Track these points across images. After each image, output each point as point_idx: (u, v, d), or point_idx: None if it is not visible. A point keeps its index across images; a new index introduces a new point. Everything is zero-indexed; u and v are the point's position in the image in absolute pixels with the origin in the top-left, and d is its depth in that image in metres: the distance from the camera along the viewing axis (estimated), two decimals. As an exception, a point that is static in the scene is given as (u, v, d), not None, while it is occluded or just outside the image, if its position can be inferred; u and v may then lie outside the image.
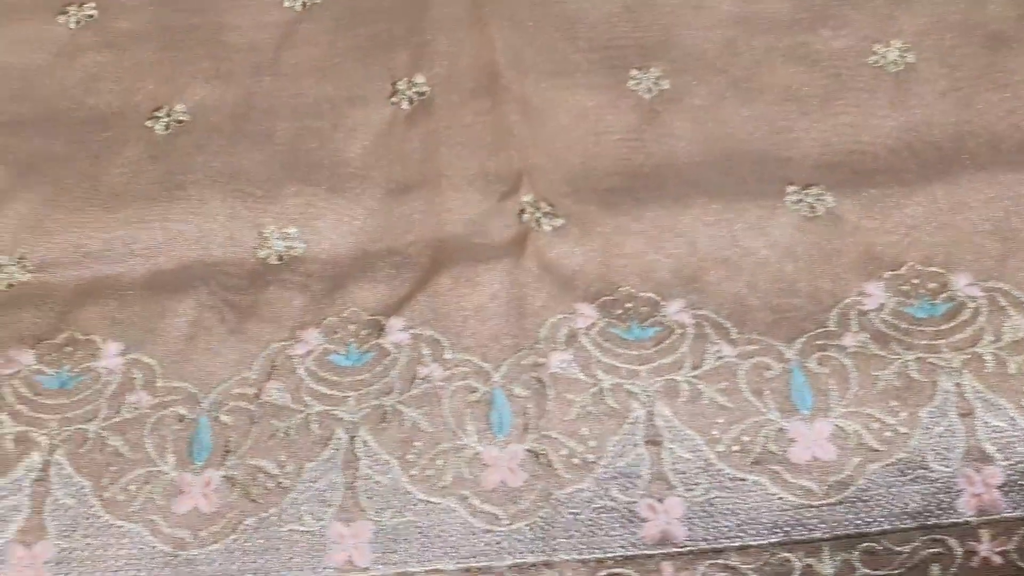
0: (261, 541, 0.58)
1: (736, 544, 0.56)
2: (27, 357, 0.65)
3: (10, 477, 0.60)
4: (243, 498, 0.60)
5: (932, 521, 0.56)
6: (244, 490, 0.60)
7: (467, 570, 0.58)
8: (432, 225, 0.71)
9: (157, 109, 0.81)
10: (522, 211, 0.72)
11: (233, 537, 0.59)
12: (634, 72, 0.80)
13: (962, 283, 0.64)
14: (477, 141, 0.76)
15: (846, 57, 0.79)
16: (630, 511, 0.58)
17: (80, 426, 0.62)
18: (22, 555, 0.58)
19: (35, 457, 0.61)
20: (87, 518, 0.59)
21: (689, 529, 0.57)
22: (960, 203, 0.68)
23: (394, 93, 0.81)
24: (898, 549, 0.56)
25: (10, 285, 0.70)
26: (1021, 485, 0.56)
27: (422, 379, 0.63)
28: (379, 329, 0.66)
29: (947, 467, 0.57)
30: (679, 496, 0.58)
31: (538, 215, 0.71)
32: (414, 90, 0.81)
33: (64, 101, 0.82)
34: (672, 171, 0.74)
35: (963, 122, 0.74)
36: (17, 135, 0.79)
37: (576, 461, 0.60)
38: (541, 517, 0.59)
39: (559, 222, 0.71)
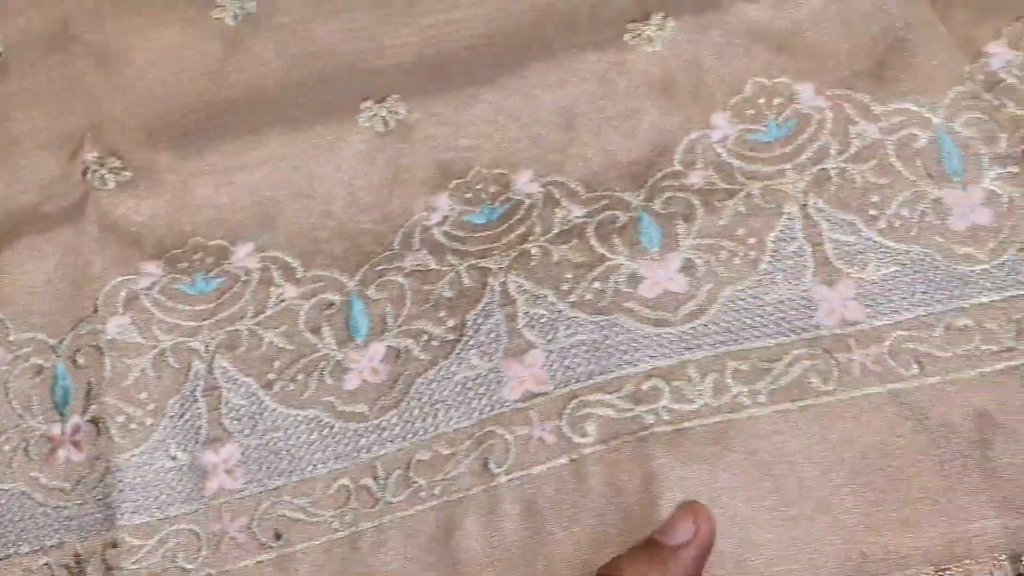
0: None
1: (293, 479, 0.53)
2: None
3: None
4: None
5: (485, 416, 0.52)
6: None
7: None
8: (5, 197, 0.65)
9: None
10: (86, 170, 0.64)
11: None
12: None
13: (523, 180, 0.59)
14: (50, 100, 0.68)
15: None
16: (192, 466, 0.54)
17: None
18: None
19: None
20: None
21: (246, 472, 0.53)
22: (530, 96, 0.61)
23: None
24: (448, 452, 0.52)
25: None
26: (562, 363, 0.53)
27: None
28: None
29: (491, 361, 0.53)
30: (237, 443, 0.54)
31: (102, 172, 0.64)
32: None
33: None
34: (255, 102, 0.65)
35: (546, 5, 0.65)
36: None
37: (134, 426, 0.55)
38: (101, 488, 0.54)
39: (126, 176, 0.63)
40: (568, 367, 0.52)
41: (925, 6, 0.58)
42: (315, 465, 0.53)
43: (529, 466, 0.50)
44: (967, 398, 0.48)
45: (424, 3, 0.67)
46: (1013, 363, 0.49)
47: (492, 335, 0.54)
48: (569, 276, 0.54)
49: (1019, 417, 0.48)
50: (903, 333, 0.50)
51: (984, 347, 0.49)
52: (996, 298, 0.50)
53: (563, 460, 0.50)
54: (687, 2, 0.61)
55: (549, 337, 0.53)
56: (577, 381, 0.52)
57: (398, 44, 0.66)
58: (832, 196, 0.53)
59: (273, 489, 0.53)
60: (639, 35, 0.60)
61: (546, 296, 0.54)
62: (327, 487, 0.52)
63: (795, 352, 0.50)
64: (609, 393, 0.51)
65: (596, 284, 0.54)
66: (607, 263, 0.54)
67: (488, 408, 0.52)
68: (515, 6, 0.65)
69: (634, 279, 0.53)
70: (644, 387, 0.51)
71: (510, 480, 0.50)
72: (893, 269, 0.51)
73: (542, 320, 0.53)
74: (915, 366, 0.49)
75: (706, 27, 0.59)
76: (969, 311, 0.50)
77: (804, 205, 0.53)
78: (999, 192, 0.51)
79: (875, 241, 0.51)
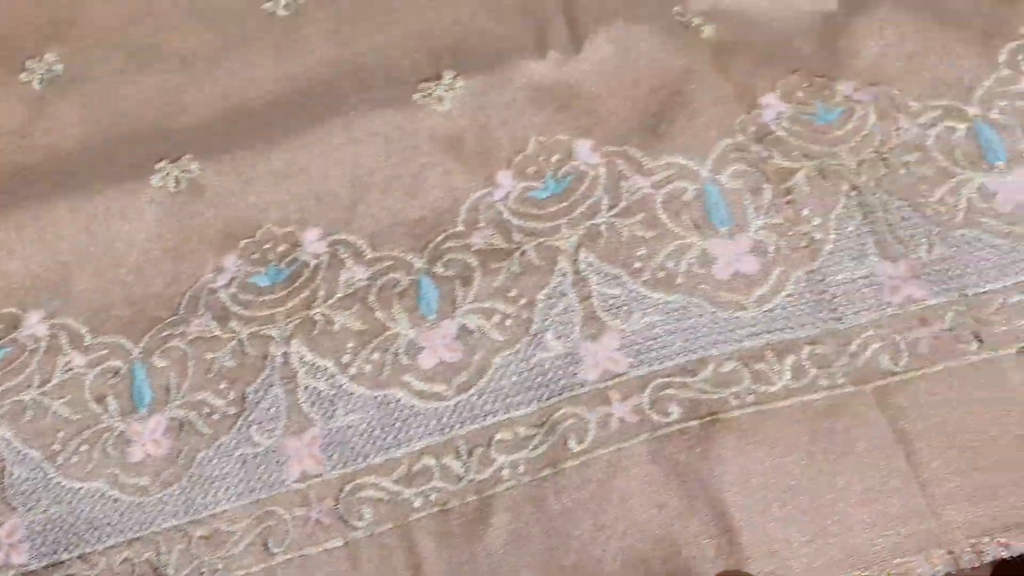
0: None
1: (76, 554, 0.53)
2: None
3: None
4: None
5: (264, 495, 0.53)
6: None
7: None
8: None
9: None
10: None
11: None
12: (29, 62, 0.70)
13: (311, 239, 0.58)
14: None
15: (240, 8, 0.69)
16: None
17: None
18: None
19: None
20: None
21: (31, 548, 0.53)
22: (320, 153, 0.60)
23: None
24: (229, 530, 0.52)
25: None
26: (339, 443, 0.54)
27: None
28: None
29: (271, 438, 0.53)
30: (20, 517, 0.53)
31: None
32: None
33: None
34: (55, 166, 0.65)
35: (342, 62, 0.65)
36: None
37: None
38: None
39: None
40: (344, 447, 0.53)
41: (706, 56, 0.60)
42: (99, 538, 0.52)
43: (306, 547, 0.51)
44: (726, 441, 0.49)
45: (226, 61, 0.67)
46: (787, 402, 0.50)
47: (272, 411, 0.54)
48: (350, 346, 0.55)
49: (767, 472, 0.49)
50: (663, 380, 0.51)
51: (755, 387, 0.51)
52: (761, 343, 0.52)
53: (338, 542, 0.51)
54: (477, 62, 0.62)
55: (328, 415, 0.53)
56: (354, 461, 0.52)
57: (199, 103, 0.65)
58: (601, 250, 0.54)
59: (59, 563, 0.52)
60: (429, 95, 0.61)
61: (327, 368, 0.54)
62: (111, 561, 0.52)
63: (557, 414, 0.51)
64: (383, 476, 0.52)
65: (375, 355, 0.54)
66: (386, 332, 0.55)
67: (267, 487, 0.52)
68: (312, 64, 0.66)
69: (413, 348, 0.54)
70: (416, 467, 0.52)
71: (288, 560, 0.51)
72: (657, 318, 0.52)
73: (321, 395, 0.54)
74: (675, 410, 0.50)
75: (494, 86, 0.61)
76: (736, 354, 0.51)
77: (575, 260, 0.54)
78: (765, 241, 0.54)
79: (639, 292, 0.53)
